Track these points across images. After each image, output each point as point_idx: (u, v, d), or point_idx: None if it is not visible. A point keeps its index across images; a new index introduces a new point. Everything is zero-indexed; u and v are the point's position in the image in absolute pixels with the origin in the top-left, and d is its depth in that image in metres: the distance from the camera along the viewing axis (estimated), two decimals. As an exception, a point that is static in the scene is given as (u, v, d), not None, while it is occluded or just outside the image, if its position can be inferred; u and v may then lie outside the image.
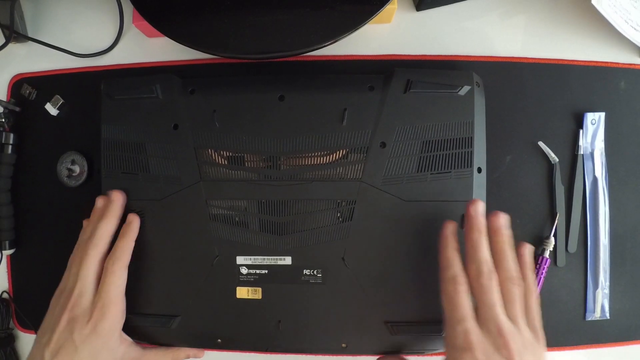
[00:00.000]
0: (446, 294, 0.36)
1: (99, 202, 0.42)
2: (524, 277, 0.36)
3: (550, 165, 0.46)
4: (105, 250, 0.40)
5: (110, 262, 0.38)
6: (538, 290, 0.36)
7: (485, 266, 0.35)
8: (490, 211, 0.42)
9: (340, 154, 0.40)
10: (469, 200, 0.38)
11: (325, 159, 0.40)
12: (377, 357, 0.42)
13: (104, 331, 0.37)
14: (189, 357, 0.44)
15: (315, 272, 0.40)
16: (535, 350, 0.34)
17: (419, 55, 0.47)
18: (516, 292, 0.35)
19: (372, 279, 0.40)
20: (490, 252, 0.36)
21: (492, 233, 0.37)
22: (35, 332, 0.48)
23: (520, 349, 0.33)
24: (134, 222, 0.41)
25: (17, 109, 0.49)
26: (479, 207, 0.37)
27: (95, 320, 0.37)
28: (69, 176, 0.47)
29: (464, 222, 0.39)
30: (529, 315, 0.35)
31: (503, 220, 0.37)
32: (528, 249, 0.38)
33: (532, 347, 0.34)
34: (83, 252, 0.39)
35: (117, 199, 0.41)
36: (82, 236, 0.41)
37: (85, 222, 0.42)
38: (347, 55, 0.47)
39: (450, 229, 0.38)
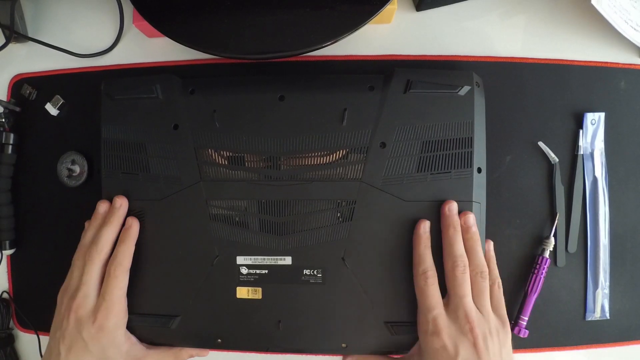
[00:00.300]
0: (418, 287, 0.39)
1: (102, 207, 0.42)
2: (490, 269, 0.40)
3: (550, 165, 0.46)
4: (107, 255, 0.41)
5: (113, 267, 0.40)
6: (501, 281, 0.40)
7: (461, 261, 0.38)
8: (489, 211, 0.43)
9: (340, 154, 0.40)
10: (445, 201, 0.40)
11: (325, 159, 0.40)
12: (341, 356, 0.43)
13: (109, 331, 0.39)
14: (192, 357, 0.44)
15: (315, 272, 0.40)
16: (500, 336, 0.38)
17: (419, 55, 0.47)
18: (485, 285, 0.39)
19: (372, 279, 0.40)
20: (462, 245, 0.39)
21: (463, 231, 0.40)
22: (36, 332, 0.48)
23: (485, 334, 0.37)
24: (134, 226, 0.41)
25: (18, 109, 0.49)
26: (453, 207, 0.40)
27: (100, 322, 0.39)
28: (69, 176, 0.47)
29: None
30: (496, 304, 0.39)
31: (472, 219, 0.40)
32: (492, 245, 0.43)
33: (497, 333, 0.38)
34: (87, 257, 0.40)
35: (121, 205, 0.41)
36: (84, 239, 0.42)
37: (86, 224, 0.43)
38: (347, 55, 0.47)
39: (423, 228, 0.39)
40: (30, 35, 0.50)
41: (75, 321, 0.39)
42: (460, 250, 0.39)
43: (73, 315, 0.39)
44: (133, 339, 0.41)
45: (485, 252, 0.41)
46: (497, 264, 0.45)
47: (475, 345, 0.36)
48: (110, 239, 0.41)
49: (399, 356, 0.42)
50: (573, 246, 0.46)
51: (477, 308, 0.38)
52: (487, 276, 0.39)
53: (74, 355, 0.38)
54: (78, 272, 0.40)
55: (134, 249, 0.41)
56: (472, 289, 0.38)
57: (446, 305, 0.38)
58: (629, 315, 0.46)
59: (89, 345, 0.38)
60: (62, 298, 0.41)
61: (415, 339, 0.40)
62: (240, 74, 0.49)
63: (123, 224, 0.42)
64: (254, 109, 0.41)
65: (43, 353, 0.41)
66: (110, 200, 0.42)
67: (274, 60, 0.47)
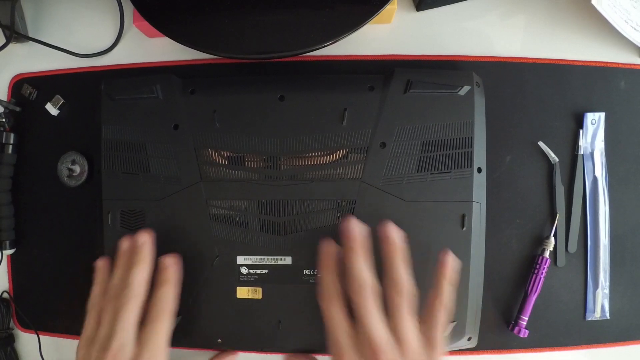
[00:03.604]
0: (324, 314, 0.36)
1: (125, 244, 0.39)
2: (437, 284, 0.36)
3: (550, 165, 0.46)
4: (144, 298, 0.37)
5: (155, 311, 0.36)
6: (446, 299, 0.35)
7: (357, 283, 0.34)
8: (489, 211, 0.43)
9: (340, 154, 0.40)
10: (344, 219, 0.37)
11: (325, 159, 0.40)
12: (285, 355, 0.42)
13: None
14: None
15: (315, 272, 0.40)
16: None
17: (419, 55, 0.47)
18: (401, 302, 0.34)
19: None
20: (365, 267, 0.35)
21: (381, 242, 0.36)
22: (36, 332, 0.48)
23: None
24: (174, 266, 0.38)
25: (18, 109, 0.49)
26: (351, 224, 0.36)
27: None
28: (70, 176, 0.47)
29: (464, 222, 0.39)
30: (429, 325, 0.34)
31: (391, 229, 0.36)
32: (448, 257, 0.37)
33: (417, 358, 0.33)
34: (120, 302, 0.36)
35: (145, 242, 0.38)
36: (112, 282, 0.38)
37: (100, 262, 0.40)
38: (347, 55, 0.47)
39: (326, 250, 0.37)
40: (30, 35, 0.50)
41: None
42: (356, 271, 0.35)
43: None
44: None
45: (439, 264, 0.37)
46: (496, 263, 0.45)
47: None
48: (145, 280, 0.37)
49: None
50: (573, 246, 0.46)
51: (392, 330, 0.33)
52: (406, 292, 0.34)
53: None
54: (110, 317, 0.35)
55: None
56: (388, 307, 0.34)
57: (355, 330, 0.34)
58: (629, 315, 0.46)
59: None
60: (87, 351, 0.35)
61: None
62: (240, 74, 0.49)
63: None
64: (254, 109, 0.41)
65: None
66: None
67: (274, 60, 0.47)
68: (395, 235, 0.36)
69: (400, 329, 0.33)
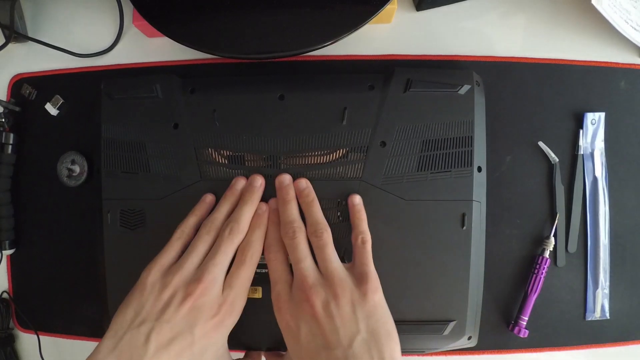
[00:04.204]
0: (268, 266, 0.37)
1: (239, 183, 0.39)
2: (354, 225, 0.38)
3: (550, 165, 0.46)
4: (243, 238, 0.37)
5: (249, 253, 0.36)
6: (367, 236, 0.37)
7: (289, 227, 0.36)
8: (489, 211, 0.43)
9: (340, 153, 0.40)
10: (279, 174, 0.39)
11: (326, 159, 0.40)
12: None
13: (226, 328, 0.34)
14: None
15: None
16: (353, 296, 0.34)
17: (419, 55, 0.47)
18: (321, 243, 0.36)
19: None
20: (296, 214, 0.37)
21: (298, 196, 0.39)
22: (36, 332, 0.48)
23: (326, 299, 0.33)
24: (266, 214, 0.38)
25: (17, 109, 0.49)
26: (284, 179, 0.39)
27: (223, 315, 0.33)
28: (69, 176, 0.47)
29: (464, 221, 0.39)
30: (358, 261, 0.36)
31: (304, 183, 0.39)
32: (357, 199, 0.39)
33: (349, 293, 0.34)
34: (223, 236, 0.36)
35: (261, 185, 0.39)
36: (216, 215, 0.38)
37: (209, 197, 0.39)
38: (347, 55, 0.47)
39: (272, 207, 0.39)
40: (30, 35, 0.50)
41: (189, 310, 0.32)
42: (287, 217, 0.37)
43: (190, 302, 0.32)
44: (226, 345, 0.37)
45: (350, 207, 0.39)
46: (496, 263, 0.45)
47: (314, 315, 0.32)
48: (250, 220, 0.37)
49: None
50: (573, 246, 0.46)
51: (321, 270, 0.35)
52: (323, 233, 0.36)
53: (167, 357, 0.30)
54: (204, 249, 0.35)
55: (133, 247, 0.40)
56: (314, 251, 0.36)
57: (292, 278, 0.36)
58: (629, 315, 0.46)
59: (196, 344, 0.32)
60: (164, 279, 0.34)
61: (415, 338, 0.40)
62: (240, 74, 0.49)
63: None
64: (254, 108, 0.41)
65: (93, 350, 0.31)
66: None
67: (274, 60, 0.47)
68: (308, 187, 0.39)
69: (324, 268, 0.35)
